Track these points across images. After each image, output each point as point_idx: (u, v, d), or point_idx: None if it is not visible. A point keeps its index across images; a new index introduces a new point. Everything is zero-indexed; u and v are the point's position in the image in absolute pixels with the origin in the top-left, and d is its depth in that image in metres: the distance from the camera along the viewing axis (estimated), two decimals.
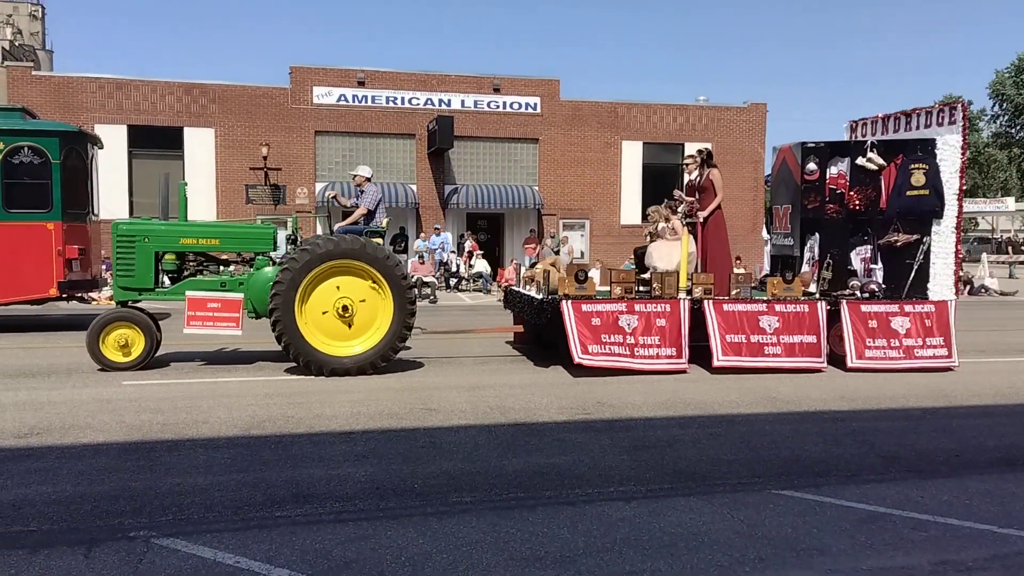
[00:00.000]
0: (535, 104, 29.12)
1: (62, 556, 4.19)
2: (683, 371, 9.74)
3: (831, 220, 11.05)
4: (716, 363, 9.76)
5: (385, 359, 9.55)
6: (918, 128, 11.23)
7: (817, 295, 10.65)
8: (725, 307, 9.99)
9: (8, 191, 13.12)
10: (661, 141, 30.20)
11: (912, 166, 10.74)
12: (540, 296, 10.45)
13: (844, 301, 10.29)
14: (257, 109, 26.74)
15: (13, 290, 13.22)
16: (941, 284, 10.83)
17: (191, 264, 10.51)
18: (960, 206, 10.73)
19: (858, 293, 10.65)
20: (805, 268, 11.17)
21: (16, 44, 51.28)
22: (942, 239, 10.85)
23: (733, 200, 24.05)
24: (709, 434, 6.96)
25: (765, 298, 10.19)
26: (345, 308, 9.41)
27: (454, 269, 25.38)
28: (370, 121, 27.63)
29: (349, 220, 10.92)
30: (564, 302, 9.67)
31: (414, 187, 28.06)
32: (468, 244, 26.37)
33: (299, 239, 10.84)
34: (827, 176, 10.99)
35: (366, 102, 27.70)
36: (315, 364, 9.32)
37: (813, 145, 11.09)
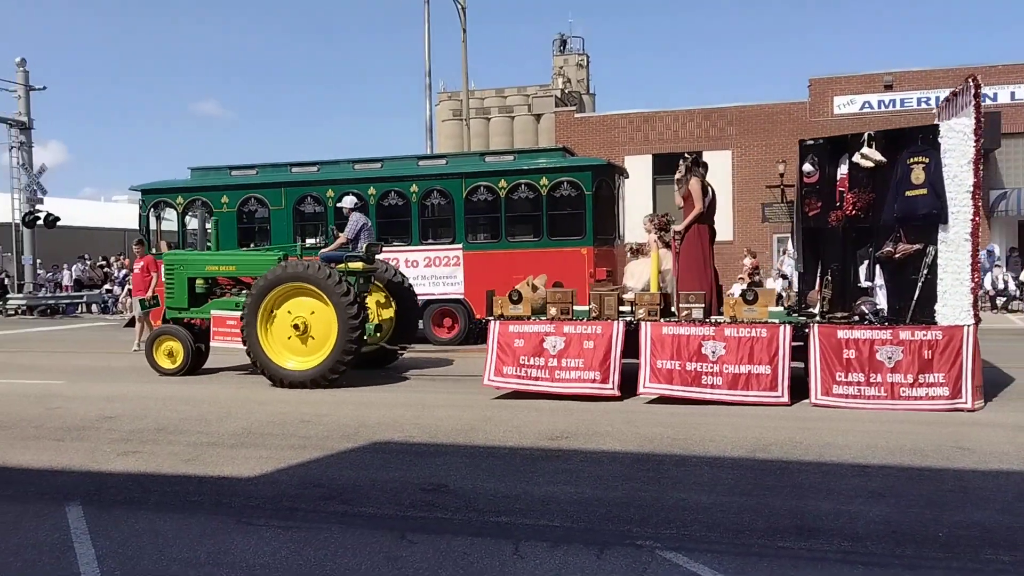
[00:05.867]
0: None
1: (578, 553, 4.57)
2: (613, 397, 8.95)
3: (831, 229, 9.84)
4: (641, 390, 8.97)
5: (334, 371, 10.23)
6: (954, 113, 9.15)
7: (817, 317, 9.37)
8: (664, 330, 8.93)
9: (551, 221, 15.09)
10: None
11: (911, 160, 8.96)
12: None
13: (814, 325, 8.81)
14: (773, 127, 26.60)
15: None
16: (952, 305, 8.63)
17: (221, 288, 12.20)
18: (976, 206, 8.60)
19: (857, 316, 9.13)
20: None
21: (566, 92, 59.25)
22: (951, 248, 8.67)
23: None
24: None
25: (715, 321, 9.11)
26: (296, 326, 10.39)
27: (1001, 287, 22.00)
28: (898, 127, 25.52)
29: (331, 247, 11.78)
30: (492, 322, 9.62)
31: None
32: None
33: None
34: (836, 178, 9.92)
35: (893, 106, 25.64)
36: (275, 377, 10.41)
37: (811, 142, 10.17)
